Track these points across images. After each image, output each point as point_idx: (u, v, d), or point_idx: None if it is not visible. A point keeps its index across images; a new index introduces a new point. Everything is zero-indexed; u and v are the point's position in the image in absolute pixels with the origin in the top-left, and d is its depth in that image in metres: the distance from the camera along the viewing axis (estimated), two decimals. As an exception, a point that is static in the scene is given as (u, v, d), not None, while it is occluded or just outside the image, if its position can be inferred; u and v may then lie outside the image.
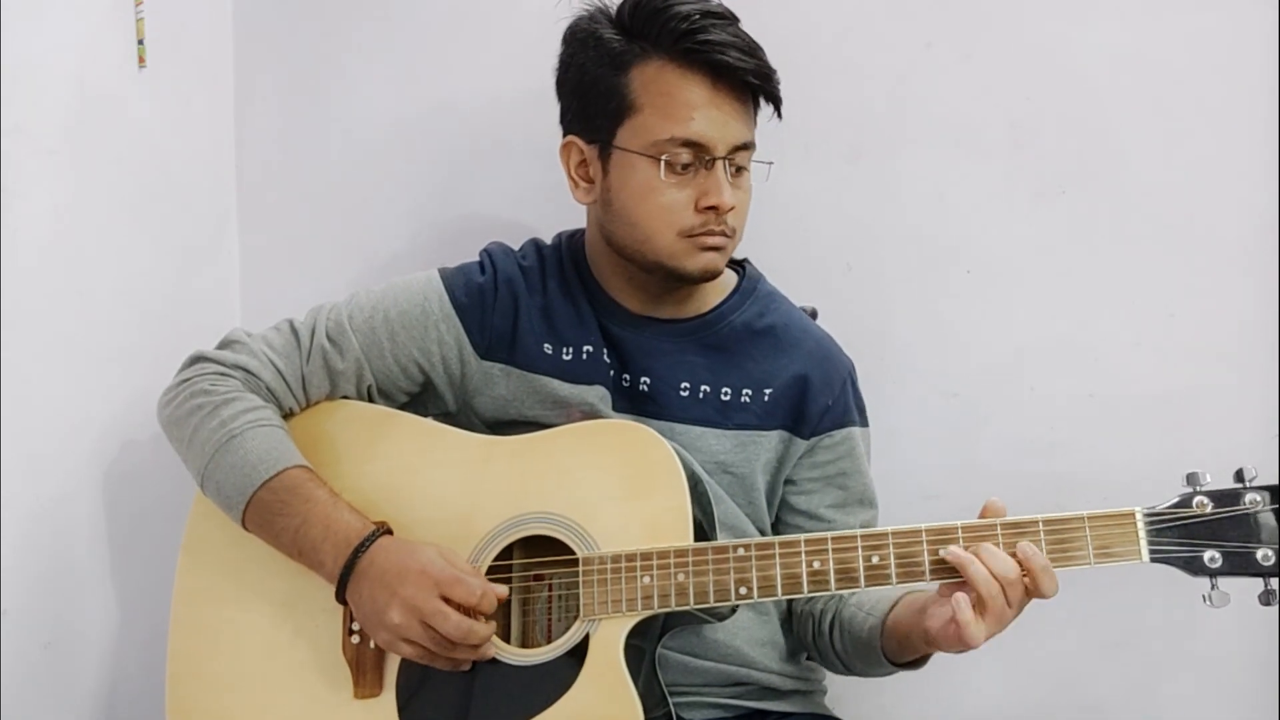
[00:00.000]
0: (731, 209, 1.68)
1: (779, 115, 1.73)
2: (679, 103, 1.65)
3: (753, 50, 1.66)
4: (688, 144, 1.65)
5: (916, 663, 1.68)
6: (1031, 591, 1.46)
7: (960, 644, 1.47)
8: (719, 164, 1.66)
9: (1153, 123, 2.04)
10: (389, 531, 1.63)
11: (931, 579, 1.49)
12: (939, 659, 1.65)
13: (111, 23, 1.95)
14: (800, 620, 1.84)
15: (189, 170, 2.17)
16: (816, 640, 1.80)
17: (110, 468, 1.95)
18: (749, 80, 1.66)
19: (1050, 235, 2.08)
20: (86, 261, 1.90)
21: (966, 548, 1.46)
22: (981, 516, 1.50)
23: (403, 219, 2.26)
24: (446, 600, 1.54)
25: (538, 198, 2.00)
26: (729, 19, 1.68)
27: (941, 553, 1.47)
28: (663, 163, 1.66)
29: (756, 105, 1.72)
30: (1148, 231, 2.05)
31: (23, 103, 1.75)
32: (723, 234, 1.69)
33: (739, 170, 1.70)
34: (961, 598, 1.45)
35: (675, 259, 1.70)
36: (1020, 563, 1.45)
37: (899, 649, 1.66)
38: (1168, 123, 2.04)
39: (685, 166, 1.66)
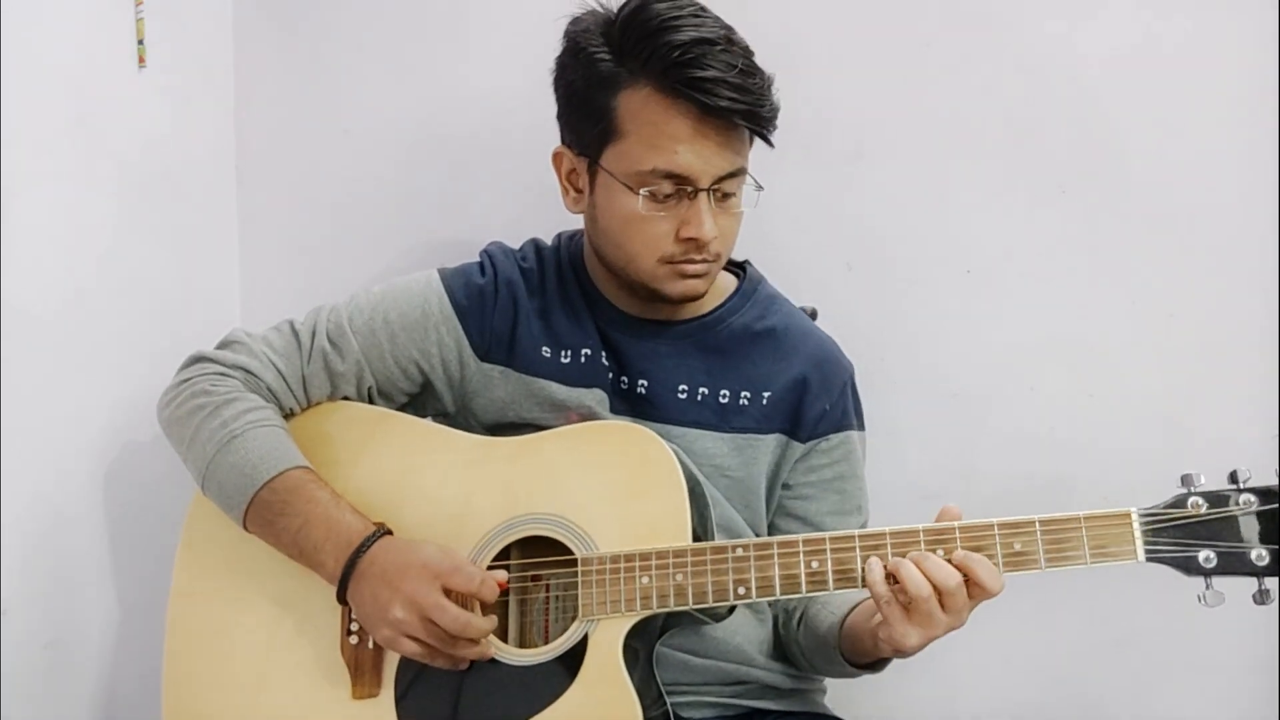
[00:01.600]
0: (714, 239, 1.65)
1: (770, 145, 1.68)
2: (664, 135, 1.61)
3: (744, 83, 1.59)
4: (670, 176, 1.62)
5: (875, 666, 1.67)
6: (977, 592, 1.46)
7: (890, 642, 1.49)
8: (702, 195, 1.64)
9: (1153, 123, 2.04)
10: (389, 532, 1.63)
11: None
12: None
13: (111, 23, 1.96)
14: (776, 618, 1.84)
15: (189, 170, 2.17)
16: (785, 635, 1.81)
17: (110, 468, 1.95)
18: (737, 122, 1.62)
19: (1050, 235, 2.08)
20: (86, 261, 1.90)
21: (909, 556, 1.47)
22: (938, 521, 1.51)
23: (403, 219, 2.26)
24: (447, 593, 1.55)
25: (538, 198, 2.00)
26: (722, 43, 1.60)
27: (890, 565, 1.48)
28: (643, 195, 1.63)
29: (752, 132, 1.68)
30: (1148, 231, 2.05)
31: (23, 103, 1.75)
32: (705, 261, 1.68)
33: (726, 196, 1.67)
34: (881, 586, 1.47)
35: (657, 282, 1.69)
36: (958, 566, 1.45)
37: (854, 648, 1.65)
38: (1168, 123, 2.04)
39: (668, 196, 1.64)
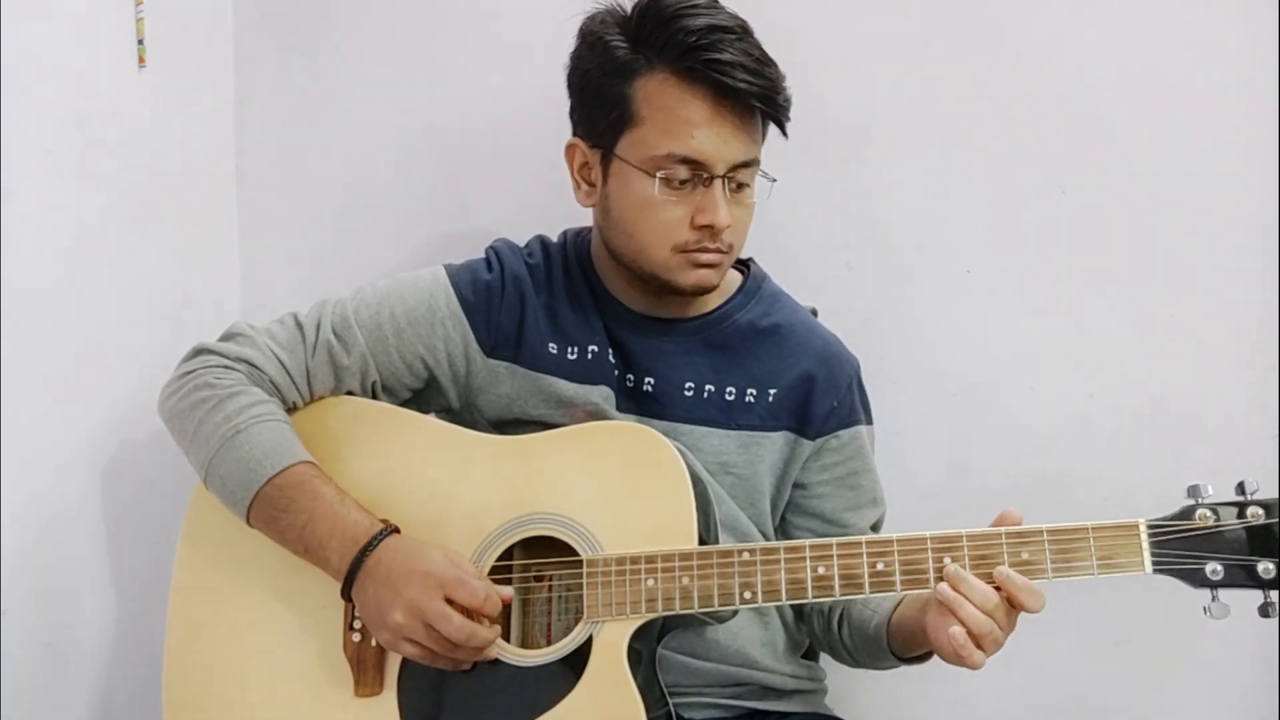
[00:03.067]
0: (728, 227, 1.66)
1: (784, 134, 1.71)
2: (680, 119, 1.63)
3: (760, 69, 1.63)
4: (686, 161, 1.64)
5: (924, 657, 1.69)
6: (1018, 609, 1.47)
7: (964, 666, 1.49)
8: (717, 182, 1.65)
9: (1153, 122, 2.04)
10: (396, 530, 1.63)
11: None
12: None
13: (111, 23, 1.95)
14: (809, 619, 1.85)
15: (189, 170, 2.16)
16: (827, 637, 1.82)
17: (110, 466, 1.95)
18: (753, 103, 1.64)
19: (1050, 235, 2.08)
20: (86, 261, 1.90)
21: (953, 585, 1.47)
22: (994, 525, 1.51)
23: (403, 219, 2.26)
24: (450, 602, 1.54)
25: (542, 197, 2.00)
26: (738, 32, 1.65)
27: (938, 592, 1.48)
28: (658, 180, 1.65)
29: (765, 121, 1.70)
30: (1148, 231, 2.05)
31: (23, 103, 1.75)
32: (718, 250, 1.68)
33: (740, 186, 1.69)
34: (958, 632, 1.46)
35: (669, 273, 1.69)
36: (999, 586, 1.46)
37: (906, 645, 1.68)
38: (1168, 123, 2.04)
39: (683, 182, 1.65)
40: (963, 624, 1.45)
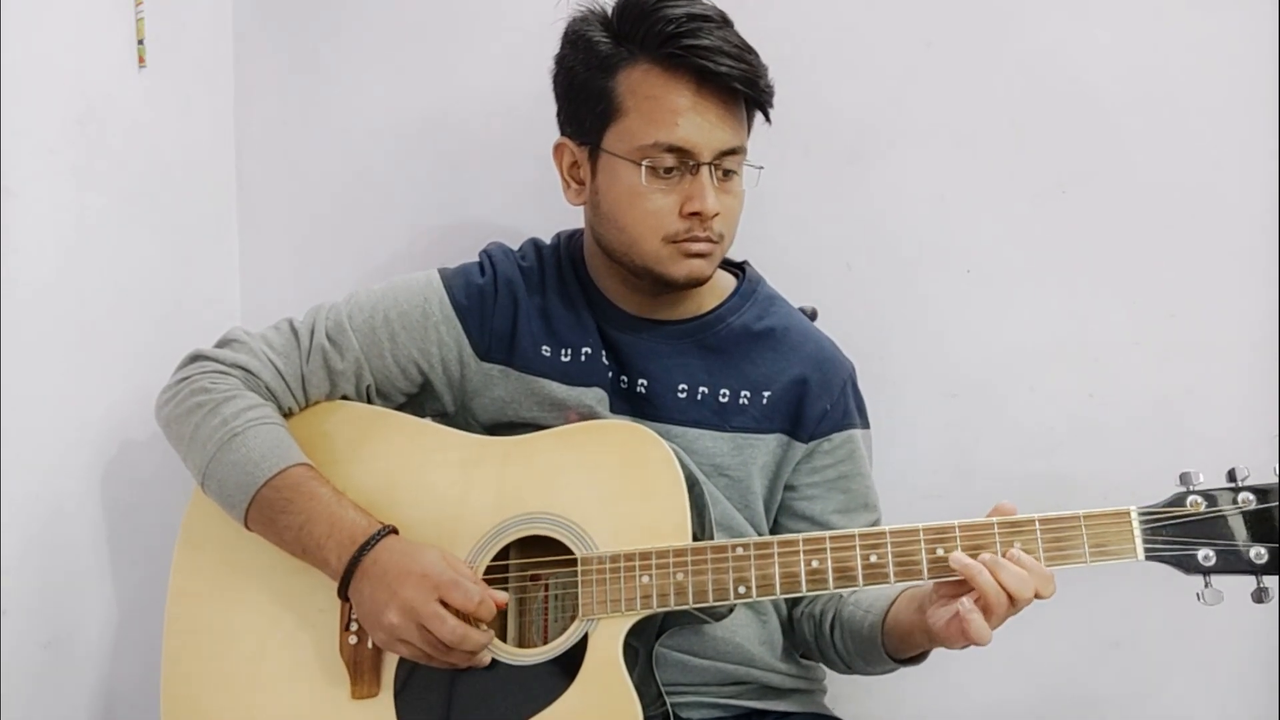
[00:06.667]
0: (716, 215, 1.67)
1: (768, 120, 1.72)
2: (664, 108, 1.64)
3: (741, 55, 1.64)
4: (672, 149, 1.64)
5: (918, 659, 1.68)
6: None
7: (965, 641, 1.48)
8: (704, 169, 1.65)
9: (1153, 122, 2.04)
10: (394, 531, 1.63)
11: (930, 577, 1.49)
12: (939, 658, 1.66)
13: (111, 23, 1.96)
14: (800, 623, 1.84)
15: (189, 170, 2.17)
16: (818, 640, 1.81)
17: (110, 468, 1.95)
18: (735, 87, 1.64)
19: (1050, 235, 2.08)
20: (86, 261, 1.90)
21: (975, 556, 1.47)
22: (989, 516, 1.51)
23: (402, 219, 2.26)
24: (445, 604, 1.54)
25: (536, 198, 2.01)
26: (718, 21, 1.66)
27: (952, 560, 1.47)
28: (644, 168, 1.65)
29: (750, 110, 1.71)
30: (1148, 231, 2.05)
31: (23, 103, 1.75)
32: (708, 240, 1.68)
33: (728, 175, 1.69)
34: (967, 601, 1.45)
35: (661, 264, 1.69)
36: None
37: (901, 645, 1.66)
38: (1168, 122, 2.04)
39: (669, 171, 1.66)
40: (980, 592, 1.44)
